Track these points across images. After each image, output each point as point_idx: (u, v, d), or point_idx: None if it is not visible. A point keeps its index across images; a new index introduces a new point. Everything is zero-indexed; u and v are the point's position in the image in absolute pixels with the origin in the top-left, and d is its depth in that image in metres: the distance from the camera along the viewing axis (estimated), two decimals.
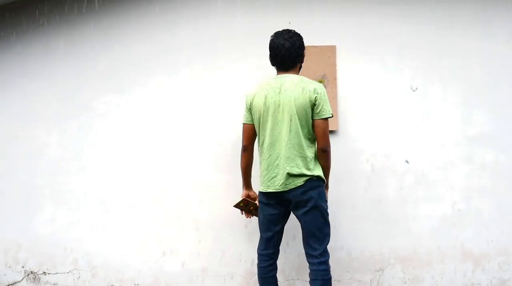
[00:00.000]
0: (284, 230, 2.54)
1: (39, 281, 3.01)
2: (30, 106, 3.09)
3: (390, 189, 2.97)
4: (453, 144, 2.99)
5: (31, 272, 3.02)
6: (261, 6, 3.06)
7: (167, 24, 3.08)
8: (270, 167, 2.39)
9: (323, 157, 2.42)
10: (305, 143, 2.38)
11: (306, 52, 2.54)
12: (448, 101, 3.01)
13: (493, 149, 2.98)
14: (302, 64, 2.55)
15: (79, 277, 3.00)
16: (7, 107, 3.10)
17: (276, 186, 2.38)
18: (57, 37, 3.12)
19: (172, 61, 3.06)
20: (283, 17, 2.99)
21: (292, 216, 2.51)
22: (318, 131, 2.38)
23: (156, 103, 3.06)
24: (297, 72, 2.50)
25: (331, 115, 2.39)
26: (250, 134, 2.51)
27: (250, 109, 2.49)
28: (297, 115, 2.35)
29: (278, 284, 2.56)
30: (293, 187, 2.35)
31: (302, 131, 2.37)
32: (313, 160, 2.40)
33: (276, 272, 2.53)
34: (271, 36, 2.48)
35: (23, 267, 3.03)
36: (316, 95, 2.35)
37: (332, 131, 2.84)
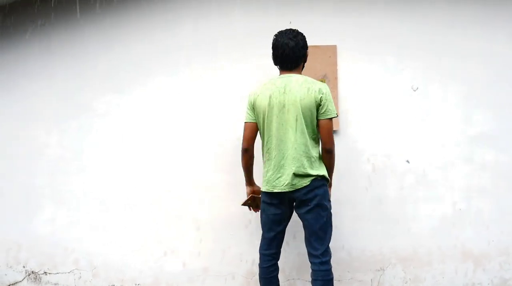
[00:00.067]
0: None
1: (40, 281, 3.01)
2: (30, 106, 3.09)
3: (390, 189, 2.97)
4: (454, 143, 2.99)
5: (32, 272, 3.02)
6: (261, 6, 3.05)
7: (167, 24, 3.07)
8: (276, 167, 2.39)
9: (328, 156, 2.42)
10: (310, 143, 2.38)
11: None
12: (448, 101, 3.01)
13: (494, 148, 2.98)
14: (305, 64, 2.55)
15: (80, 277, 3.00)
16: (7, 107, 3.10)
17: (281, 186, 2.37)
18: (57, 37, 3.11)
19: (172, 61, 3.06)
20: (283, 17, 2.98)
21: (292, 216, 2.52)
22: (323, 132, 2.39)
23: (156, 103, 3.05)
24: (301, 72, 2.49)
25: (336, 115, 2.40)
26: (253, 133, 2.50)
27: (253, 109, 2.48)
28: (303, 116, 2.35)
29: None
30: (300, 187, 2.35)
31: (307, 131, 2.37)
32: (317, 160, 2.41)
33: (278, 273, 2.54)
34: (275, 36, 2.46)
35: (24, 267, 3.03)
36: (321, 95, 2.35)
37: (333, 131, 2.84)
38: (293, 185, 2.35)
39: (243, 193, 2.84)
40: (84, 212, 3.02)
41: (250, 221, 2.95)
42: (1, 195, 3.05)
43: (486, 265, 2.95)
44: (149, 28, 3.08)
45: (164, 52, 3.06)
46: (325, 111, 2.37)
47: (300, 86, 2.37)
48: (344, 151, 2.93)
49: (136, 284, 2.98)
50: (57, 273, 3.01)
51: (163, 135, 3.04)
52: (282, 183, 2.37)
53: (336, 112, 2.40)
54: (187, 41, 3.06)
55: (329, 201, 2.44)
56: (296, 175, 2.35)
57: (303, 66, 2.53)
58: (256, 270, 2.89)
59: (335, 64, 2.99)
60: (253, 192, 2.63)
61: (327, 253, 2.40)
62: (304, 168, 2.35)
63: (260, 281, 2.53)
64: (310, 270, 2.42)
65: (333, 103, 2.40)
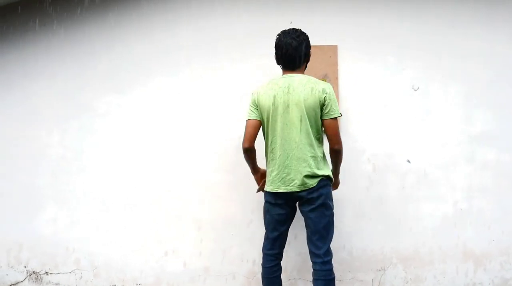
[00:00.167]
0: None
1: (41, 281, 3.02)
2: (31, 106, 3.09)
3: (391, 189, 2.97)
4: (455, 143, 2.98)
5: (33, 272, 3.03)
6: (262, 6, 3.05)
7: (167, 24, 3.07)
8: (280, 167, 2.39)
9: (336, 156, 2.45)
10: (315, 143, 2.39)
11: None
12: (449, 100, 3.00)
13: (495, 148, 2.97)
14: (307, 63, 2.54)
15: (81, 277, 3.01)
16: (8, 108, 3.10)
17: (288, 186, 2.37)
18: (58, 37, 3.11)
19: (172, 61, 3.06)
20: (283, 17, 2.98)
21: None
22: (329, 132, 2.39)
23: (156, 103, 3.05)
24: (303, 72, 2.49)
25: (340, 115, 2.40)
26: (255, 131, 2.46)
27: (257, 107, 2.46)
28: (307, 116, 2.35)
29: None
30: (307, 188, 2.36)
31: (312, 131, 2.37)
32: (322, 160, 2.42)
33: (280, 273, 2.53)
34: (278, 35, 2.45)
35: (25, 267, 3.04)
36: (325, 95, 2.35)
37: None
38: (300, 185, 2.36)
39: (243, 193, 2.85)
40: (85, 212, 3.03)
41: (251, 220, 2.95)
42: (2, 195, 3.06)
43: (487, 265, 2.94)
44: (149, 28, 3.08)
45: (164, 52, 3.06)
46: (329, 111, 2.36)
47: (304, 86, 2.36)
48: (345, 150, 2.87)
49: (137, 284, 2.99)
50: (58, 273, 3.02)
51: (163, 135, 3.04)
52: (288, 183, 2.37)
53: (340, 111, 2.40)
54: (187, 41, 3.05)
55: (332, 201, 2.45)
56: (304, 176, 2.35)
57: (306, 66, 2.53)
58: (257, 270, 2.90)
59: (335, 64, 2.99)
60: (262, 176, 2.60)
61: (328, 252, 2.40)
62: (311, 168, 2.35)
63: (262, 281, 2.53)
64: (312, 270, 2.42)
65: (337, 103, 2.40)
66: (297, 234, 2.84)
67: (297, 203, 2.46)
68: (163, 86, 3.06)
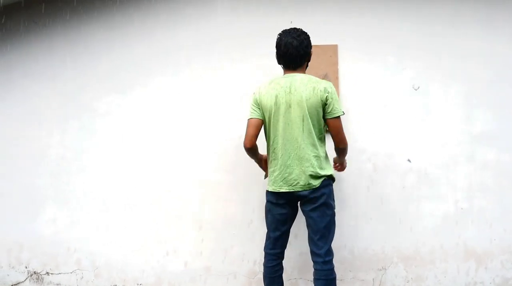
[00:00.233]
0: None
1: (42, 281, 3.02)
2: (31, 106, 3.10)
3: (392, 188, 2.97)
4: (455, 142, 2.98)
5: (34, 272, 3.03)
6: (262, 6, 3.05)
7: (167, 24, 3.08)
8: (282, 167, 2.38)
9: (341, 153, 2.51)
10: (318, 142, 2.39)
11: None
12: (449, 100, 3.01)
13: (495, 147, 2.97)
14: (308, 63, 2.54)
15: (82, 277, 3.01)
16: (9, 108, 3.10)
17: (290, 186, 2.37)
18: (59, 38, 3.11)
19: (172, 62, 3.06)
20: (283, 17, 2.98)
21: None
22: (333, 131, 2.39)
23: (156, 103, 3.06)
24: (304, 71, 2.48)
25: (342, 113, 2.40)
26: (257, 131, 2.45)
27: (259, 107, 2.45)
28: (309, 115, 2.35)
29: None
30: (310, 188, 2.36)
31: (315, 131, 2.37)
32: (324, 159, 2.42)
33: (282, 272, 2.53)
34: (279, 35, 2.45)
35: (26, 267, 3.03)
36: (327, 94, 2.35)
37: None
38: (303, 185, 2.36)
39: (244, 193, 2.85)
40: (86, 212, 3.02)
41: (252, 220, 2.95)
42: (3, 195, 3.06)
43: (488, 264, 2.94)
44: (150, 29, 3.08)
45: (165, 52, 3.06)
46: (331, 110, 2.36)
47: (305, 86, 2.36)
48: None
49: (138, 284, 2.99)
50: (59, 273, 3.02)
51: (163, 135, 3.04)
52: (290, 183, 2.37)
53: (342, 110, 2.40)
54: (187, 42, 3.06)
55: (334, 200, 2.45)
56: (308, 176, 2.35)
57: (307, 66, 2.52)
58: (258, 269, 2.90)
59: (336, 63, 2.99)
60: (266, 162, 2.56)
61: (330, 252, 2.40)
62: (314, 168, 2.35)
63: (264, 280, 2.52)
64: (312, 270, 2.42)
65: (339, 101, 2.40)
66: (298, 233, 2.83)
67: (299, 202, 2.46)
68: (163, 87, 3.06)
